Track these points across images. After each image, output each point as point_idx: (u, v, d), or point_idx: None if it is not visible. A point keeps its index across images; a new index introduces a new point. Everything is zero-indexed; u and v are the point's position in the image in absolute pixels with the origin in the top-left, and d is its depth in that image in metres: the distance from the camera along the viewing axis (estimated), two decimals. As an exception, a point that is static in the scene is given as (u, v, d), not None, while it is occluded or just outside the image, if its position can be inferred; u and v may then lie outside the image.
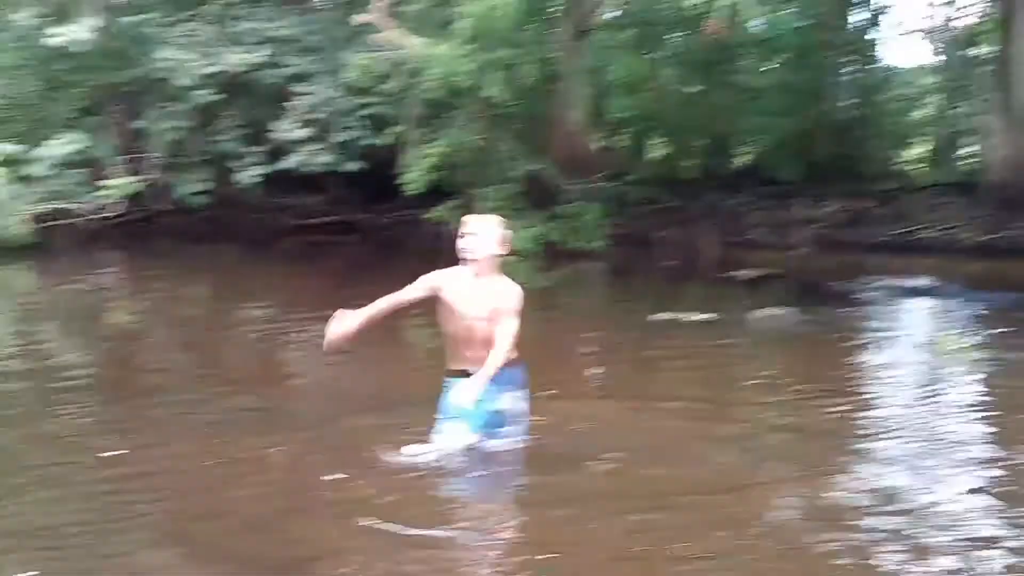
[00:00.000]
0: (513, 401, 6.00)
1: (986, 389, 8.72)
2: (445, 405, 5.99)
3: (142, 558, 4.84)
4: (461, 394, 5.66)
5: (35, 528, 5.18)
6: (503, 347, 5.71)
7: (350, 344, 5.94)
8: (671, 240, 21.56)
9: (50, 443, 6.77)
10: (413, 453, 6.06)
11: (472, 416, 5.90)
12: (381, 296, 6.01)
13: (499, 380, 5.83)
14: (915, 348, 10.36)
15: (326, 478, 5.89)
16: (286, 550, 4.88)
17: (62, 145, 19.91)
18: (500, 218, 6.13)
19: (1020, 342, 10.66)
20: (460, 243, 5.84)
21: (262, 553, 4.86)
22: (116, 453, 6.46)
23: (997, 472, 6.15)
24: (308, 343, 10.96)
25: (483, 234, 5.83)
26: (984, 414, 7.79)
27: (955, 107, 29.43)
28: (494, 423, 5.98)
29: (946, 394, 8.51)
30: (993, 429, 7.34)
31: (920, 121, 32.54)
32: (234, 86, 22.11)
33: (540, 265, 18.61)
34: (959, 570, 4.62)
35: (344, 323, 5.91)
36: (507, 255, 5.93)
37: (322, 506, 5.49)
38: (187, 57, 20.47)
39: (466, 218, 6.00)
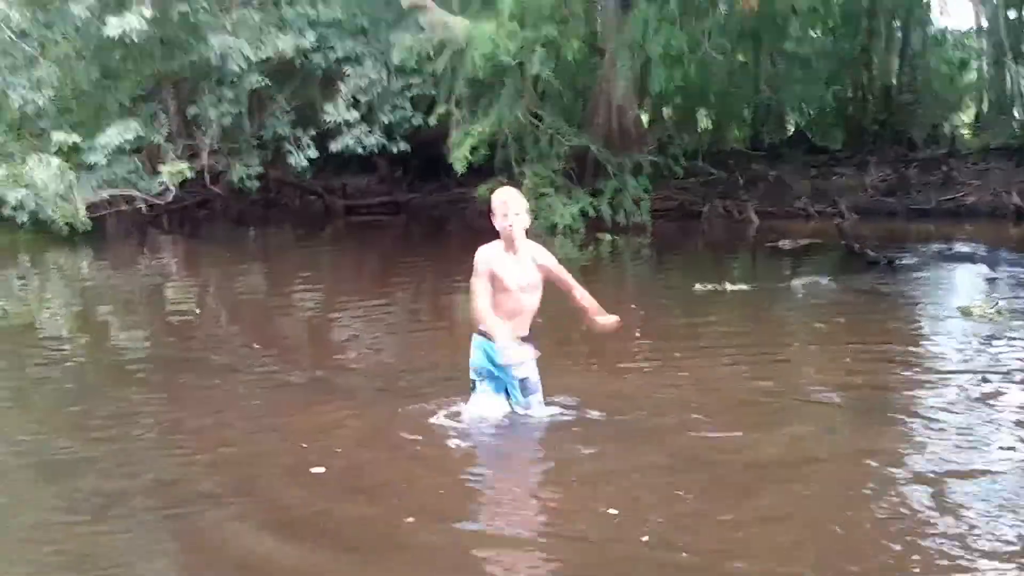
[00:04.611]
0: (531, 370, 6.35)
1: (1017, 354, 8.86)
2: (477, 367, 6.36)
3: (205, 519, 5.21)
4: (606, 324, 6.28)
5: (105, 492, 5.55)
6: (577, 288, 6.38)
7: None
8: (716, 211, 21.72)
9: (113, 414, 7.20)
10: (451, 419, 6.46)
11: (499, 381, 6.34)
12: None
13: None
14: (955, 314, 10.45)
15: (377, 445, 6.26)
16: (340, 510, 5.22)
17: (118, 133, 20.42)
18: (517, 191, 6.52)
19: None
20: (507, 222, 6.11)
21: (318, 514, 5.21)
22: (176, 423, 6.96)
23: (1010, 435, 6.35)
24: (357, 321, 11.40)
25: (523, 209, 6.17)
26: (1009, 378, 7.90)
27: (1003, 71, 29.16)
28: (521, 392, 6.35)
29: (984, 359, 8.62)
30: (1013, 393, 7.49)
31: (969, 85, 32.32)
32: (284, 70, 22.51)
33: (584, 240, 18.87)
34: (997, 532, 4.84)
35: (508, 338, 6.08)
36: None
37: (373, 466, 5.85)
38: (237, 43, 20.89)
39: (505, 196, 6.24)
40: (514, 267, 6.16)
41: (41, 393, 8.25)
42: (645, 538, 4.69)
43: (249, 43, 21.04)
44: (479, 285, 6.15)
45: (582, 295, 6.39)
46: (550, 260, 6.31)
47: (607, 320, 6.34)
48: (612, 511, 5.03)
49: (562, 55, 19.96)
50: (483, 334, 6.26)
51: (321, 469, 5.71)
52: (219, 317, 12.47)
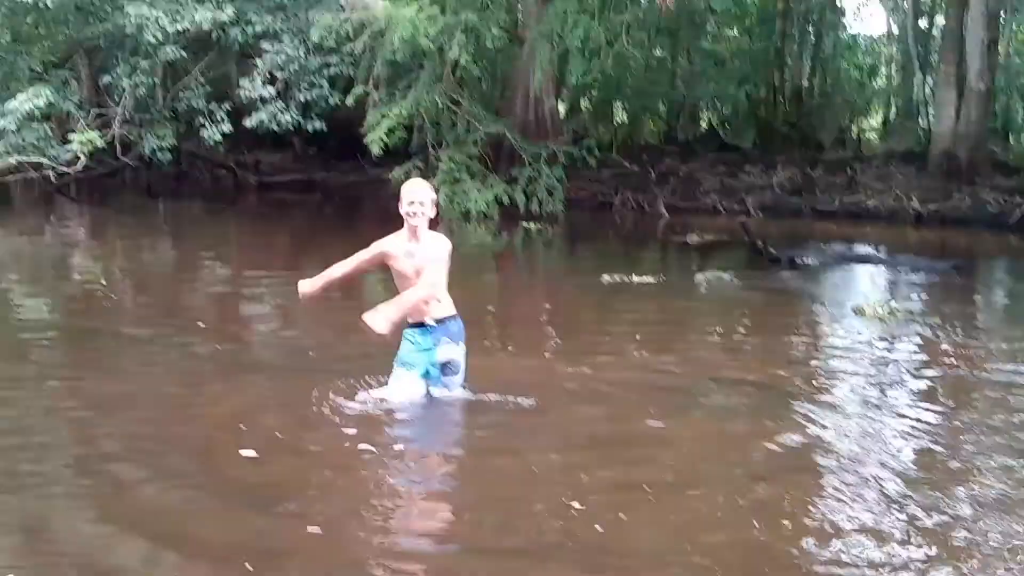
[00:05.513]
0: (456, 352, 6.46)
1: (910, 350, 9.26)
2: (401, 355, 6.46)
3: (108, 475, 5.29)
4: (374, 317, 6.04)
5: (47, 454, 5.58)
6: (421, 287, 6.21)
7: (316, 299, 6.61)
8: (628, 204, 22.06)
9: (25, 386, 7.17)
10: (366, 400, 6.51)
11: (422, 365, 6.42)
12: (336, 256, 6.53)
13: (445, 332, 6.39)
14: (851, 313, 10.81)
15: (277, 421, 6.29)
16: (237, 485, 5.29)
17: (29, 99, 20.11)
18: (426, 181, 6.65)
19: (950, 308, 11.30)
20: (408, 210, 6.24)
21: (212, 484, 5.31)
22: (77, 387, 7.03)
23: (904, 421, 6.68)
24: (266, 297, 11.44)
25: (428, 201, 6.28)
26: (904, 374, 8.24)
27: (911, 78, 29.98)
28: (441, 372, 6.45)
29: (874, 356, 8.96)
30: (906, 385, 7.86)
31: (878, 91, 33.14)
32: (200, 43, 22.34)
33: (497, 227, 19.06)
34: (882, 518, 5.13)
35: (308, 286, 6.55)
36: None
37: (273, 446, 5.85)
38: (154, 13, 20.67)
39: (409, 187, 6.38)
40: (413, 255, 6.29)
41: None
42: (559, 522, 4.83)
43: (166, 14, 20.83)
44: (359, 253, 6.50)
45: (406, 294, 6.24)
46: (433, 255, 6.26)
47: (374, 319, 6.05)
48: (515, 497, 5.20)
49: (482, 42, 20.08)
50: (412, 325, 6.39)
51: (252, 452, 5.63)
52: (126, 288, 12.41)
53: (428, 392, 6.50)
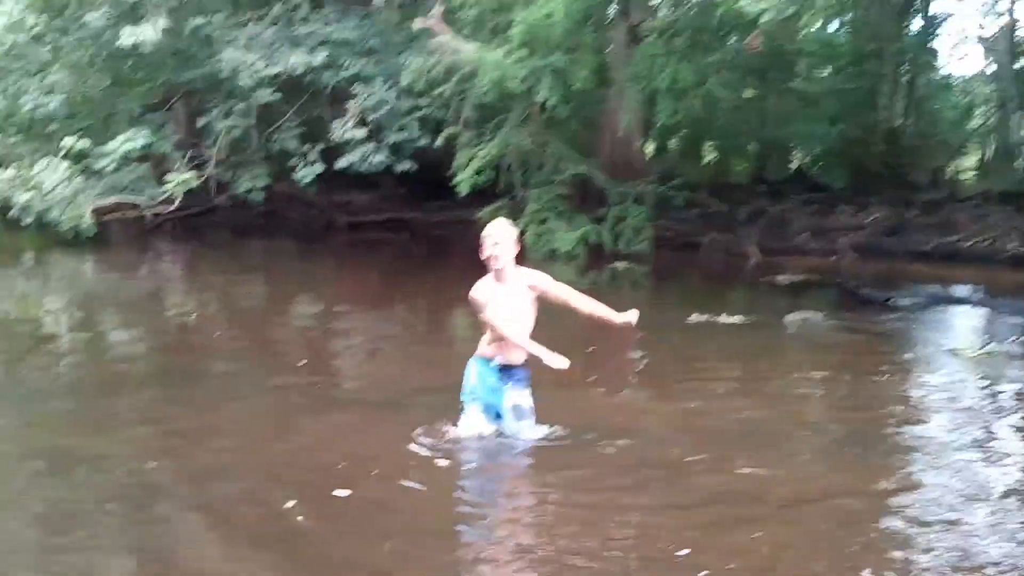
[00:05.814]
0: (523, 398, 6.46)
1: (1011, 391, 8.99)
2: (472, 389, 6.46)
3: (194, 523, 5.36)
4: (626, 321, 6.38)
5: (102, 493, 5.71)
6: (581, 298, 6.40)
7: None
8: (716, 244, 21.84)
9: (114, 418, 7.35)
10: (450, 439, 6.54)
11: (488, 401, 6.45)
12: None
13: (512, 377, 6.40)
14: (947, 354, 10.58)
15: (362, 455, 6.40)
16: (319, 521, 5.37)
17: (127, 140, 20.68)
18: (508, 220, 6.58)
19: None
20: (490, 252, 6.21)
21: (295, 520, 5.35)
22: (174, 427, 7.09)
23: (1015, 461, 6.54)
24: (355, 334, 11.54)
25: (506, 241, 6.24)
26: (1006, 415, 8.07)
27: (1008, 117, 29.40)
28: (514, 415, 6.46)
29: (973, 399, 8.73)
30: (1010, 427, 7.67)
31: (973, 130, 32.52)
32: (294, 86, 22.74)
33: (584, 266, 19.01)
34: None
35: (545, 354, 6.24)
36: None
37: (358, 479, 5.94)
38: (249, 58, 21.16)
39: (490, 231, 6.28)
40: (504, 297, 6.26)
41: (29, 391, 8.35)
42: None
43: (261, 58, 21.28)
44: (494, 318, 6.27)
45: (590, 305, 6.39)
46: (544, 280, 6.37)
47: (626, 317, 6.39)
48: (586, 543, 5.12)
49: (570, 84, 20.14)
50: (488, 360, 6.39)
51: (346, 492, 5.69)
52: (219, 322, 12.63)
53: (509, 434, 6.49)
